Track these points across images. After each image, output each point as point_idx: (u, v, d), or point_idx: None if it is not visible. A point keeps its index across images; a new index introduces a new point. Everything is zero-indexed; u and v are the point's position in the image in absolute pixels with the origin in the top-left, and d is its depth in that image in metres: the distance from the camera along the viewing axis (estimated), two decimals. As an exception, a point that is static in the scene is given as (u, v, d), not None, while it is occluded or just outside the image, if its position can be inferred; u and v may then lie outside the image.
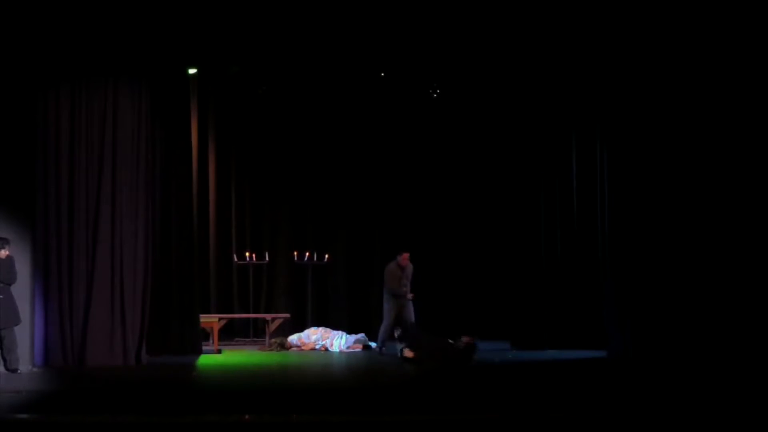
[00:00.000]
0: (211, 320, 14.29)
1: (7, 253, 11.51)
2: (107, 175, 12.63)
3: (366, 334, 15.15)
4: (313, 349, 14.73)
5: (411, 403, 9.31)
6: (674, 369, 11.71)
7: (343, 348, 14.66)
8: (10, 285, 11.51)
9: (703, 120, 12.54)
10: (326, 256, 16.50)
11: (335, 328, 15.28)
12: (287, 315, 15.79)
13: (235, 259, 16.41)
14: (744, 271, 12.16)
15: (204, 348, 13.81)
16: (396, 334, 13.29)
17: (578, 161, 14.83)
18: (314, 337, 14.88)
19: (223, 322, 14.71)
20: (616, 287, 13.14)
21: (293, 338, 14.97)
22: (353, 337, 14.90)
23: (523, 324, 14.79)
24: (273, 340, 14.93)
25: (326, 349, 14.68)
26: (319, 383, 11.06)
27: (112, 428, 7.90)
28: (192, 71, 14.06)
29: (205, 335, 14.41)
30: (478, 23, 13.04)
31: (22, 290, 11.83)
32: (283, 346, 14.72)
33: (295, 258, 16.30)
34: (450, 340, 13.04)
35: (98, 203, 12.58)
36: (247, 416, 8.28)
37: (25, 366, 11.66)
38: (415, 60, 14.43)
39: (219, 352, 13.93)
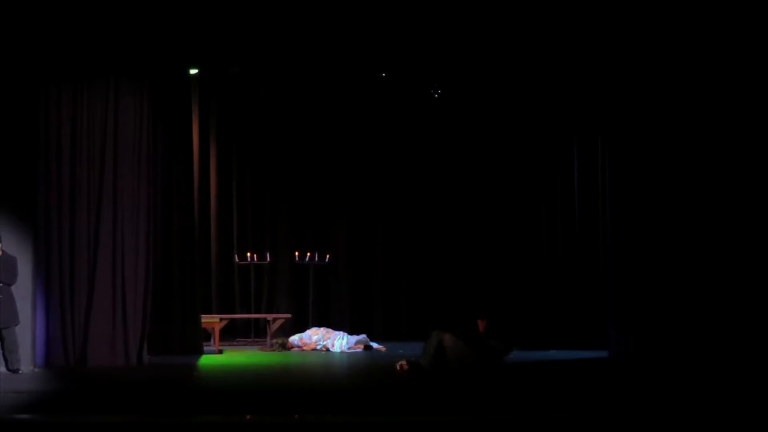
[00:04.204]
0: (212, 320, 14.29)
1: (1, 249, 11.49)
2: (108, 175, 12.63)
3: (367, 335, 15.14)
4: (315, 350, 14.73)
5: (411, 403, 9.30)
6: (676, 369, 11.71)
7: (345, 349, 14.65)
8: (10, 285, 11.51)
9: (705, 121, 12.54)
10: (327, 256, 16.51)
11: (336, 328, 15.28)
12: (288, 315, 15.79)
13: (237, 260, 16.42)
14: (745, 272, 12.16)
15: (205, 348, 13.81)
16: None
17: (580, 161, 14.85)
18: (315, 337, 14.87)
19: (224, 323, 14.70)
20: (618, 287, 13.13)
21: (294, 339, 14.96)
22: (354, 338, 14.90)
23: (524, 324, 14.79)
24: (274, 340, 14.92)
25: (327, 350, 14.68)
26: (320, 384, 11.05)
27: (113, 428, 7.89)
28: (193, 71, 14.08)
29: (207, 335, 14.40)
30: (480, 24, 13.04)
31: (24, 290, 11.82)
32: (285, 347, 14.72)
33: (297, 258, 16.31)
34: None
35: (99, 203, 12.58)
36: (248, 416, 8.27)
37: (26, 366, 11.65)
38: (416, 60, 14.44)
39: (220, 352, 13.93)
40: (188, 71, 13.85)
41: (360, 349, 14.76)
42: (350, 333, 15.10)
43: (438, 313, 15.91)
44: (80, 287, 12.44)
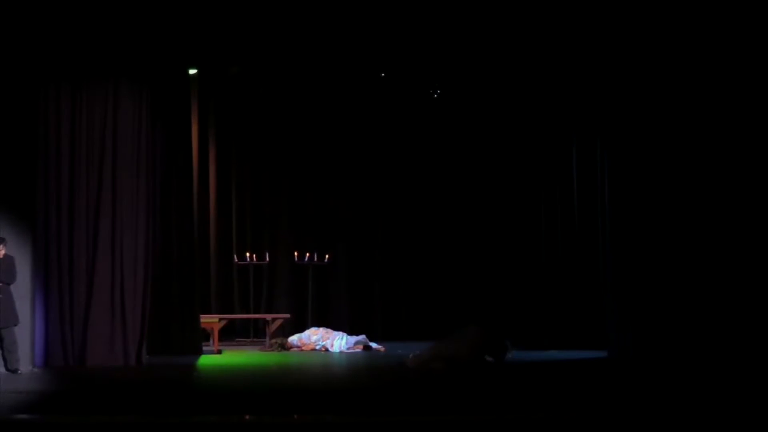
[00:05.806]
0: (211, 321, 14.28)
1: (4, 252, 11.50)
2: (108, 176, 12.63)
3: (367, 335, 15.13)
4: (314, 350, 14.72)
5: (411, 403, 9.30)
6: (675, 369, 11.71)
7: (344, 349, 14.64)
8: (9, 285, 11.50)
9: (703, 121, 12.55)
10: (327, 256, 16.50)
11: (336, 328, 15.27)
12: (288, 315, 15.78)
13: (236, 260, 16.40)
14: (744, 272, 12.16)
15: (204, 348, 13.81)
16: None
17: (579, 161, 14.85)
18: (315, 337, 14.87)
19: (223, 323, 14.70)
20: (617, 287, 13.14)
21: (294, 339, 14.96)
22: (354, 338, 14.88)
23: (523, 324, 14.79)
24: (273, 340, 14.92)
25: (326, 350, 14.67)
26: (320, 384, 11.05)
27: (112, 428, 7.89)
28: (192, 72, 14.08)
29: (206, 336, 14.40)
30: (479, 24, 13.04)
31: (23, 290, 11.82)
32: (284, 347, 14.71)
33: (296, 258, 16.30)
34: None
35: (98, 203, 12.58)
36: (247, 417, 8.27)
37: (25, 366, 11.64)
38: (415, 60, 14.44)
39: (219, 352, 13.92)
40: (187, 71, 13.85)
41: (359, 349, 14.75)
42: (350, 333, 15.09)
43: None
44: (79, 287, 12.43)
